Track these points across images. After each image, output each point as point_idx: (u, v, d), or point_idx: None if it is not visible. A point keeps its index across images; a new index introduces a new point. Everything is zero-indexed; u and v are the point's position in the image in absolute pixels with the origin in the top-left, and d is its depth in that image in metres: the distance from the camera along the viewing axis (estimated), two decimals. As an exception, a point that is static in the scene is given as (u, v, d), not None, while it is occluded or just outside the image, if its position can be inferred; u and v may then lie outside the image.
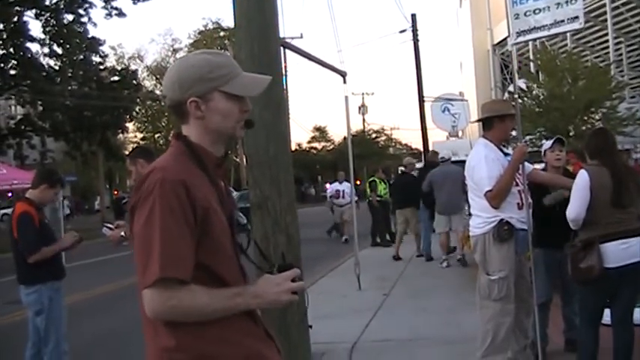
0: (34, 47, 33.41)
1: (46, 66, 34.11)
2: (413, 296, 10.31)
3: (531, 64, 29.39)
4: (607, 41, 34.02)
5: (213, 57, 2.35)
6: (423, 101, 28.29)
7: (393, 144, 76.95)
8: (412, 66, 28.26)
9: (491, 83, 45.21)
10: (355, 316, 8.97)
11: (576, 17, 5.74)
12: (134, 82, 40.49)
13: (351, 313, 9.18)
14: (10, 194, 35.33)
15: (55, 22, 32.87)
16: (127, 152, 39.27)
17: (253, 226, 5.87)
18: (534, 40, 6.68)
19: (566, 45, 31.07)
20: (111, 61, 44.94)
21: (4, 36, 31.76)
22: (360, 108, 67.09)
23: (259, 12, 5.84)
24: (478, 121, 6.09)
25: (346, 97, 10.87)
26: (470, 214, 6.03)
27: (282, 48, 6.50)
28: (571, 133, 20.20)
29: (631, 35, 35.68)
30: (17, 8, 31.28)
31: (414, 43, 28.23)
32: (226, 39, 56.64)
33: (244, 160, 43.73)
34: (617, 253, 4.93)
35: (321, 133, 73.14)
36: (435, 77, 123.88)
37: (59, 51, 33.85)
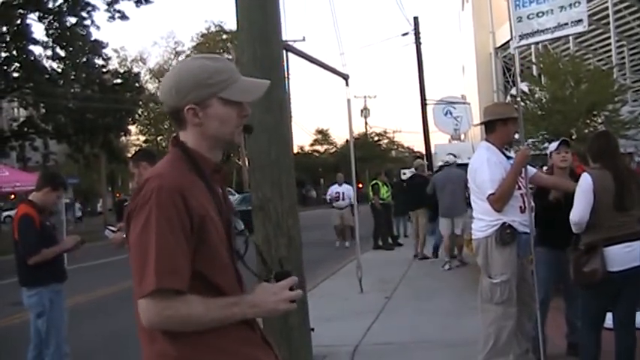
0: (37, 50, 33.41)
1: (49, 68, 34.12)
2: (415, 299, 10.31)
3: (534, 67, 29.40)
4: (609, 44, 34.01)
5: (212, 62, 2.32)
6: (426, 104, 28.29)
7: (395, 147, 76.85)
8: (414, 69, 28.26)
9: (494, 86, 45.25)
10: (357, 318, 8.96)
11: (580, 20, 5.71)
12: (137, 84, 40.51)
13: (353, 316, 9.17)
14: (12, 196, 35.42)
15: (58, 25, 32.88)
16: (129, 155, 39.27)
17: (255, 229, 5.86)
18: (537, 43, 6.65)
19: (568, 48, 31.01)
20: (113, 64, 45.15)
21: (7, 38, 31.78)
22: (362, 111, 67.03)
23: (262, 15, 5.84)
24: (481, 124, 6.08)
25: (348, 100, 10.90)
26: (472, 217, 6.03)
27: (284, 51, 6.50)
28: (573, 137, 20.16)
29: (633, 38, 35.66)
30: (20, 11, 31.32)
31: (417, 46, 28.24)
32: (229, 42, 56.72)
33: (246, 162, 43.80)
34: (621, 256, 4.92)
35: (323, 135, 73.19)
36: (438, 80, 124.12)
37: (62, 53, 33.87)
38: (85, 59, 34.63)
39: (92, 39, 34.29)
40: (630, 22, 34.53)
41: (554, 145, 6.46)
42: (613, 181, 4.99)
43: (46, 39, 33.05)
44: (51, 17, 32.59)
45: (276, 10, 6.00)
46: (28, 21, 32.17)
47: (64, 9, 32.80)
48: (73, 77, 34.18)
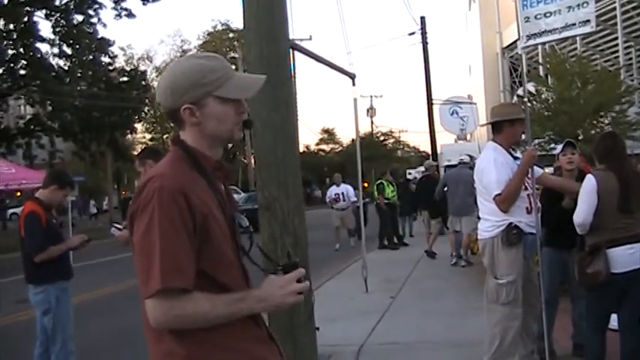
0: (43, 47, 33.67)
1: (56, 66, 34.24)
2: (420, 299, 10.30)
3: (540, 67, 29.34)
4: (617, 45, 33.94)
5: (205, 61, 2.32)
6: (432, 104, 28.31)
7: (401, 147, 76.81)
8: (421, 69, 28.32)
9: (500, 86, 45.19)
10: (362, 318, 8.96)
11: (588, 21, 5.69)
12: (143, 82, 40.54)
13: (358, 316, 9.17)
14: (18, 194, 35.49)
15: (64, 23, 32.97)
16: (135, 153, 39.36)
17: (261, 228, 5.87)
18: (544, 43, 6.63)
19: (575, 49, 30.97)
20: (120, 62, 45.22)
21: (15, 36, 31.87)
22: (368, 110, 67.03)
23: (269, 13, 5.84)
24: (488, 124, 6.07)
25: (355, 100, 10.87)
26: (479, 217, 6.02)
27: (291, 50, 6.50)
28: (580, 137, 20.11)
29: (641, 39, 35.58)
30: (27, 8, 31.38)
31: (423, 45, 28.27)
32: (235, 40, 56.78)
33: (252, 161, 43.82)
34: (624, 258, 4.91)
35: (329, 135, 73.12)
36: (444, 80, 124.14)
37: (69, 51, 33.96)
38: (91, 57, 34.70)
39: (99, 37, 34.39)
40: (638, 23, 34.43)
41: (559, 147, 6.45)
42: (618, 182, 4.97)
43: (52, 37, 33.22)
44: (58, 15, 32.68)
45: (283, 8, 6.00)
46: (35, 18, 32.32)
47: (71, 7, 32.88)
48: (79, 75, 34.26)
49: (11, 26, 31.56)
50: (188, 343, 2.15)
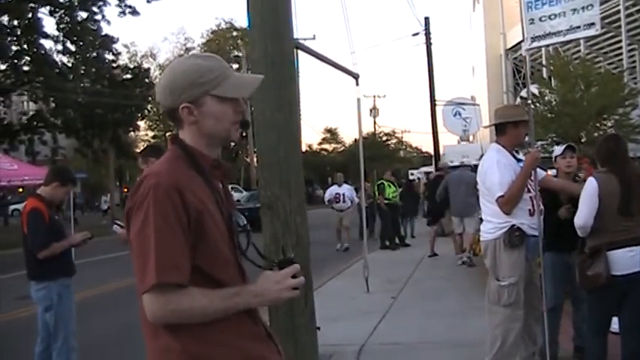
0: (47, 44, 33.59)
1: (59, 63, 34.30)
2: (421, 299, 10.30)
3: (544, 69, 29.30)
4: (620, 48, 33.88)
5: (203, 61, 2.36)
6: (435, 105, 28.29)
7: (404, 147, 76.80)
8: (424, 69, 28.31)
9: (503, 88, 45.15)
10: (363, 318, 8.96)
11: (592, 24, 5.69)
12: (146, 80, 40.57)
13: (359, 316, 9.17)
14: (20, 190, 35.55)
15: (69, 20, 33.04)
16: (137, 150, 39.36)
17: (263, 227, 5.87)
18: (549, 45, 6.63)
19: (579, 51, 30.92)
20: (124, 59, 45.10)
21: (19, 32, 31.93)
22: (371, 110, 66.97)
23: (273, 12, 5.83)
24: (491, 126, 6.06)
25: (358, 100, 10.88)
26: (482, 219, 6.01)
27: (295, 49, 6.49)
28: (583, 140, 20.10)
29: (645, 42, 35.53)
30: (32, 5, 31.45)
31: (427, 46, 28.24)
32: (239, 39, 56.69)
33: (254, 160, 43.82)
34: (624, 260, 4.91)
35: (332, 134, 73.10)
36: (447, 81, 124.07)
37: (72, 48, 34.06)
38: (95, 54, 34.82)
39: (103, 34, 34.48)
40: (642, 26, 34.39)
41: (559, 150, 6.43)
42: (619, 185, 4.97)
43: (56, 33, 33.33)
44: (62, 11, 32.76)
45: (287, 6, 5.99)
46: (39, 15, 32.37)
47: (75, 3, 32.97)
48: (82, 72, 34.37)
49: (15, 22, 31.60)
50: (184, 338, 2.18)
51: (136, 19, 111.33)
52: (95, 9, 33.46)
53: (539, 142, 20.32)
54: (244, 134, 45.54)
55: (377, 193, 19.04)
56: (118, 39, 36.28)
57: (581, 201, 5.09)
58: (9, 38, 31.63)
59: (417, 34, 28.80)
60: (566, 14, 5.73)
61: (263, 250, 2.62)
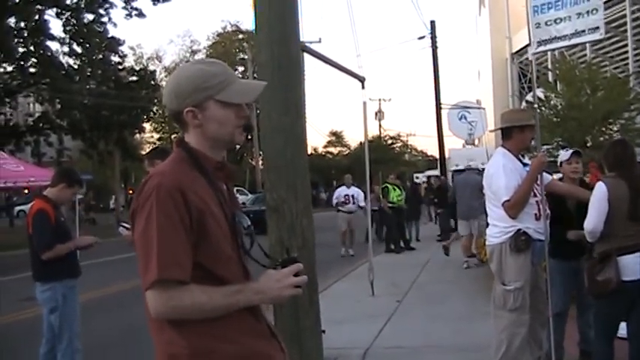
0: (54, 46, 33.73)
1: (66, 65, 34.37)
2: (426, 303, 10.29)
3: (549, 73, 29.26)
4: (627, 52, 33.80)
5: (207, 66, 2.44)
6: (440, 108, 28.32)
7: (409, 150, 76.77)
8: (430, 73, 28.35)
9: (509, 92, 45.04)
10: (368, 321, 8.95)
11: (597, 28, 5.69)
12: (152, 82, 40.67)
13: (365, 319, 9.16)
14: (26, 191, 35.59)
15: (75, 22, 33.11)
16: (143, 152, 39.44)
17: (269, 229, 5.87)
18: (554, 50, 6.62)
19: (585, 55, 30.86)
20: (130, 61, 45.32)
21: (25, 34, 32.01)
22: (377, 114, 66.97)
23: (280, 15, 5.83)
24: (497, 130, 6.06)
25: (364, 103, 10.87)
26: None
27: (301, 52, 6.49)
28: (588, 144, 20.05)
29: (651, 47, 35.42)
30: (38, 7, 31.52)
31: (433, 49, 28.30)
32: (245, 41, 56.73)
33: (259, 162, 43.84)
34: (635, 265, 4.90)
35: (337, 137, 73.05)
36: (453, 84, 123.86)
37: (79, 50, 34.13)
38: (101, 56, 34.89)
39: (109, 36, 34.56)
40: (648, 31, 34.29)
41: (565, 155, 6.40)
42: (628, 190, 4.96)
43: (63, 35, 33.41)
44: (69, 14, 32.83)
45: (294, 10, 5.99)
46: (46, 17, 32.44)
47: (82, 5, 33.05)
48: (89, 74, 34.42)
49: (22, 24, 31.68)
50: (187, 333, 2.24)
51: (142, 22, 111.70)
52: (102, 11, 33.57)
53: (545, 147, 20.31)
54: (249, 137, 45.62)
55: (381, 197, 18.97)
56: (124, 41, 36.41)
57: (591, 206, 5.08)
58: (16, 40, 31.69)
59: (422, 37, 28.87)
60: (572, 18, 5.74)
61: (268, 251, 2.66)
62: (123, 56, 37.89)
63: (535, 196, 5.49)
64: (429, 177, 28.01)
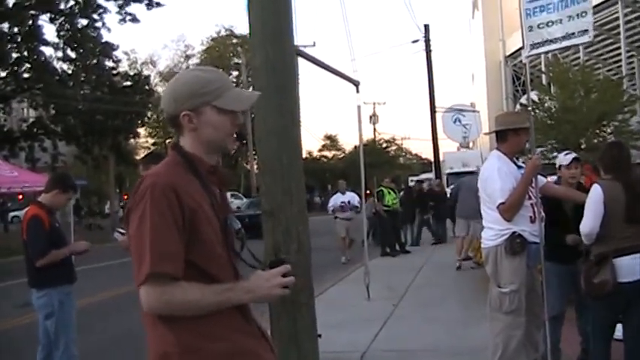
0: (47, 51, 33.62)
1: (60, 70, 34.38)
2: (422, 306, 10.29)
3: (543, 76, 29.32)
4: (619, 55, 33.89)
5: (204, 73, 2.56)
6: (435, 111, 28.36)
7: (404, 154, 76.80)
8: (424, 76, 28.39)
9: (503, 94, 45.16)
10: (364, 325, 8.94)
11: (586, 30, 5.72)
12: (146, 87, 40.71)
13: (361, 323, 9.15)
14: (20, 197, 35.53)
15: (69, 27, 33.10)
16: (137, 157, 39.37)
17: (264, 234, 5.86)
18: (547, 52, 6.64)
19: (578, 58, 30.94)
20: (124, 66, 45.07)
21: (19, 39, 31.99)
22: (371, 117, 67.04)
23: (274, 18, 5.82)
24: (492, 133, 6.07)
25: (359, 107, 10.88)
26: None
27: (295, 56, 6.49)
28: (583, 146, 20.10)
29: (644, 49, 35.54)
30: (32, 12, 31.51)
31: (427, 53, 28.33)
32: (239, 46, 56.69)
33: (254, 167, 43.81)
34: (631, 267, 4.91)
35: (331, 141, 73.02)
36: (447, 88, 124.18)
37: (73, 55, 34.13)
38: (95, 61, 34.91)
39: (103, 41, 34.55)
40: (641, 33, 34.41)
41: (565, 160, 6.37)
42: (624, 192, 4.97)
43: (57, 40, 33.41)
44: (62, 19, 32.82)
45: (288, 14, 5.99)
46: (40, 22, 32.48)
47: (76, 11, 33.03)
48: (83, 79, 34.45)
49: (16, 29, 31.65)
50: (178, 330, 2.31)
51: (136, 27, 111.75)
52: (95, 16, 33.56)
53: (540, 149, 20.35)
54: (244, 141, 45.58)
55: (376, 200, 18.92)
56: (118, 46, 36.43)
57: (587, 208, 5.09)
58: (9, 45, 31.67)
59: (416, 41, 28.90)
60: (563, 21, 5.76)
61: (264, 256, 2.72)
62: (117, 61, 37.93)
63: (530, 198, 5.50)
64: (417, 181, 27.11)
